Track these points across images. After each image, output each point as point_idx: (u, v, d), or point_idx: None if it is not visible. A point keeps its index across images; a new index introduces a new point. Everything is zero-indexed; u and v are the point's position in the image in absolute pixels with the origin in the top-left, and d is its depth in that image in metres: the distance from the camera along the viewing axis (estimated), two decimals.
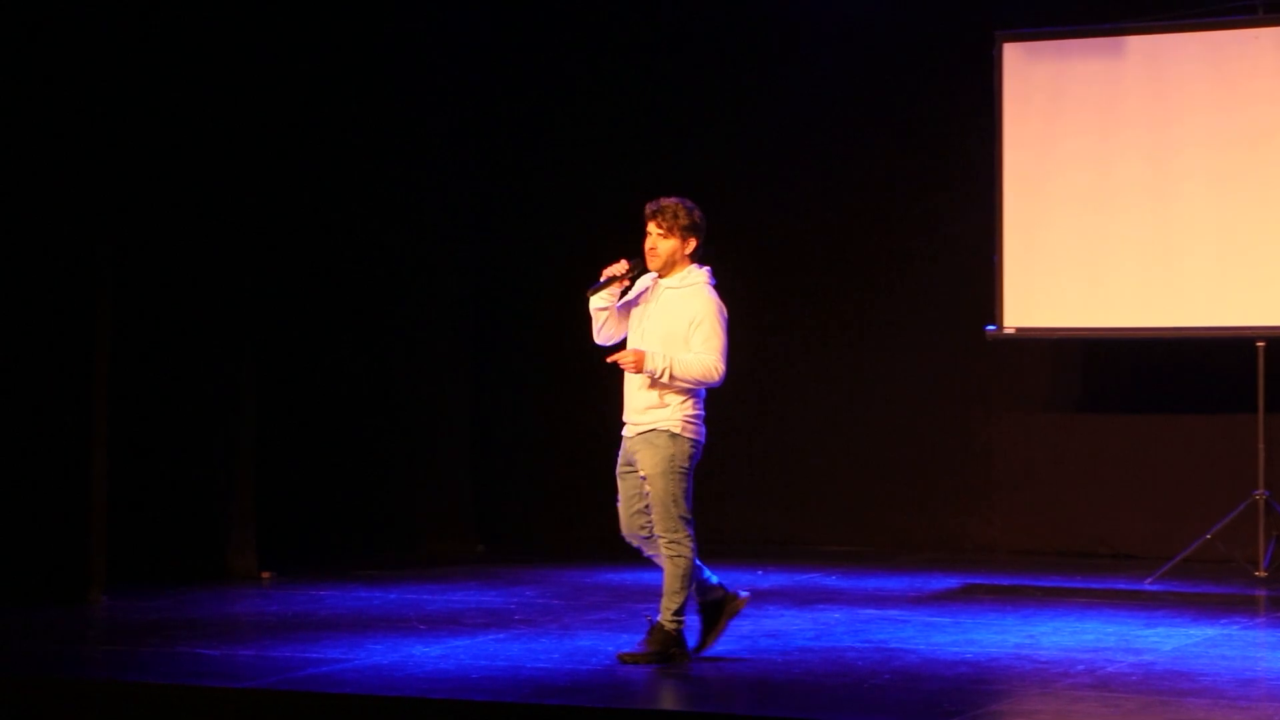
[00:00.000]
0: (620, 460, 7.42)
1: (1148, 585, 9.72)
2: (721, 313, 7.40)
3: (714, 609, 7.43)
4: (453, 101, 11.64)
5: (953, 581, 9.86)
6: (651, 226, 7.33)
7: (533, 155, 11.81)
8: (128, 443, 9.64)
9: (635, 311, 7.40)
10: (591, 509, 11.89)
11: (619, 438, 11.95)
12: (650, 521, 7.30)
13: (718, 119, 11.65)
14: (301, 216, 11.11)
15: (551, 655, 7.55)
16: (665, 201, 7.35)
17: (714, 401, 11.70)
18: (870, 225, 11.38)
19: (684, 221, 7.31)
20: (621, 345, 7.41)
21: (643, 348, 7.28)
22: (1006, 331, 10.44)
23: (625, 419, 7.40)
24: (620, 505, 7.41)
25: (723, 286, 11.84)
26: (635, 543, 7.40)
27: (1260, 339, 9.97)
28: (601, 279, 7.35)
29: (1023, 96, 10.40)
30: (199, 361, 10.06)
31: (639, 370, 7.24)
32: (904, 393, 11.35)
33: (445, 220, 11.62)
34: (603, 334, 7.44)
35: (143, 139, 9.76)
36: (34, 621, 8.46)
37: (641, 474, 7.30)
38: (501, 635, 8.08)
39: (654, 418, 7.29)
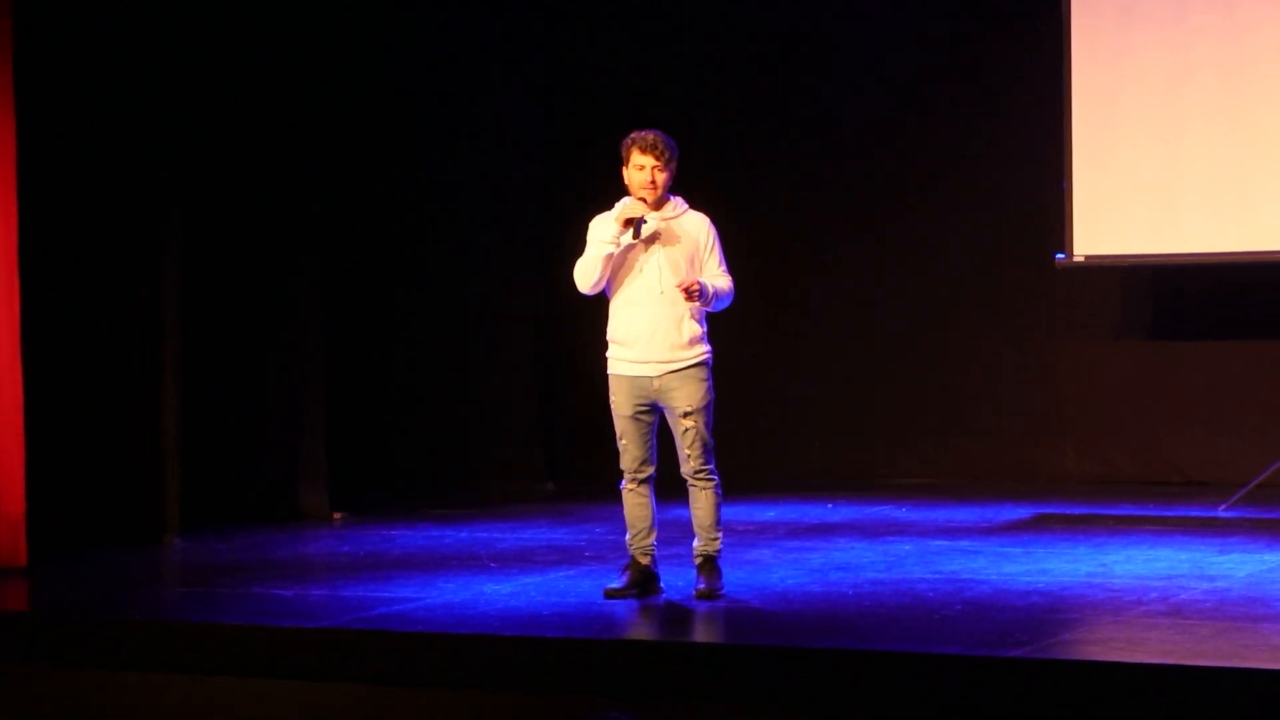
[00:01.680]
0: (632, 400, 7.24)
1: (1221, 512, 9.65)
2: None
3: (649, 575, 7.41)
4: (520, 40, 11.61)
5: (1024, 511, 9.81)
6: (648, 159, 7.18)
7: (600, 93, 11.76)
8: (200, 385, 9.70)
9: (628, 253, 7.22)
10: (660, 445, 11.89)
11: None
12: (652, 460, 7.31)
13: (777, 46, 11.58)
14: (369, 158, 11.12)
15: None
16: (652, 135, 7.22)
17: (783, 335, 11.72)
18: (937, 153, 11.30)
19: (673, 152, 7.23)
20: (603, 297, 7.31)
21: (664, 284, 7.17)
22: (1076, 259, 10.35)
23: (642, 357, 7.21)
24: (634, 446, 7.30)
25: (790, 221, 11.87)
26: (639, 480, 7.33)
27: None
28: (636, 221, 7.18)
29: (1091, 17, 10.27)
30: (269, 303, 10.10)
31: (699, 298, 7.19)
32: (973, 323, 11.29)
33: (514, 159, 11.62)
34: (602, 283, 7.26)
35: (211, 93, 9.77)
36: (109, 564, 8.55)
37: (684, 410, 7.22)
38: (572, 572, 8.10)
39: (697, 352, 7.24)
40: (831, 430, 11.57)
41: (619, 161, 7.31)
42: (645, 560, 7.37)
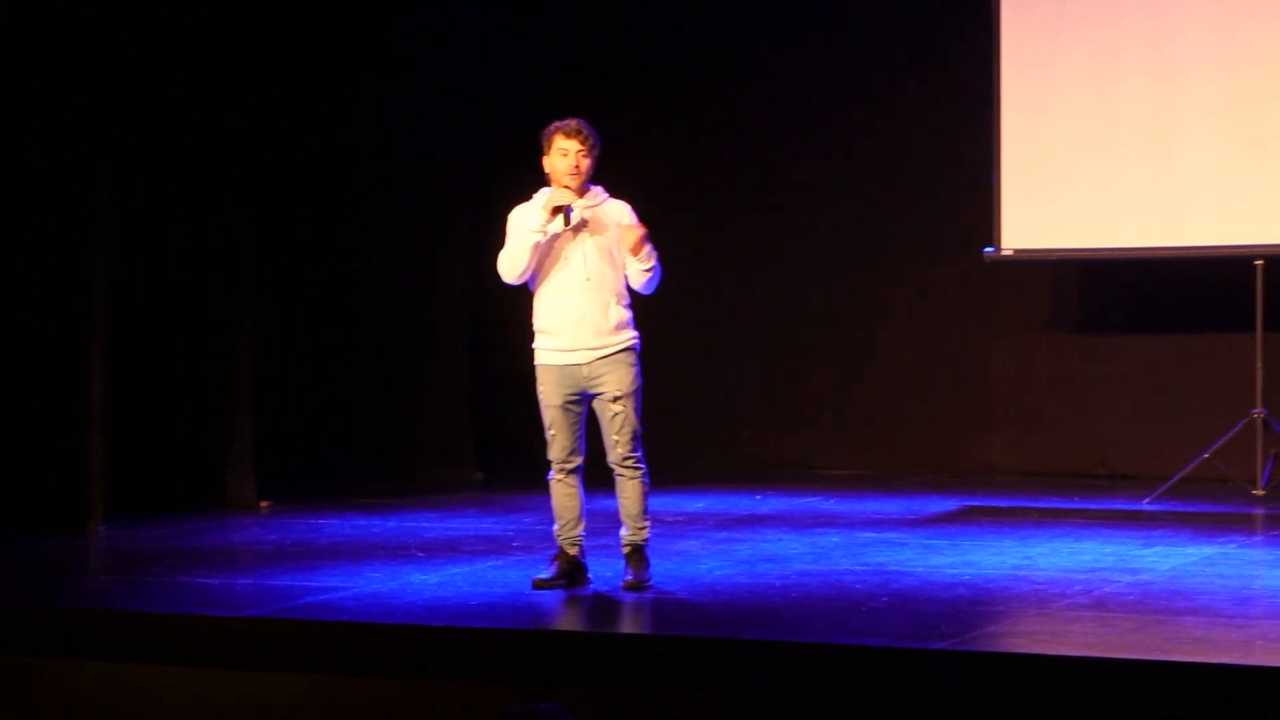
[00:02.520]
0: (561, 389, 7.21)
1: (1146, 505, 9.73)
2: None
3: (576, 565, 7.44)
4: (452, 38, 11.59)
5: (951, 504, 9.86)
6: (572, 144, 7.15)
7: (528, 87, 11.74)
8: (126, 373, 9.63)
9: (553, 242, 7.20)
10: (590, 435, 11.88)
11: None
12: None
13: (702, 41, 11.59)
14: (300, 141, 11.06)
15: None
16: (575, 121, 7.19)
17: (714, 327, 11.74)
18: (868, 147, 11.33)
19: (596, 139, 7.22)
20: (525, 288, 7.30)
21: (589, 271, 7.18)
22: (1005, 253, 10.41)
23: (570, 345, 7.19)
24: (562, 436, 7.26)
25: (723, 211, 11.89)
26: (568, 470, 7.32)
27: (1259, 258, 9.94)
28: (565, 208, 7.16)
29: (1021, 11, 10.33)
30: (197, 291, 10.04)
31: (646, 247, 7.20)
32: (903, 316, 11.34)
33: (448, 146, 11.58)
34: (529, 272, 7.22)
35: (142, 75, 9.70)
36: (35, 552, 8.48)
37: (614, 395, 7.21)
38: (500, 562, 8.09)
39: (625, 337, 7.24)
40: (761, 421, 11.60)
41: (542, 152, 7.28)
42: (573, 551, 7.37)
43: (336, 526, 9.24)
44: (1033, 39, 10.33)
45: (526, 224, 7.21)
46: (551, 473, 7.38)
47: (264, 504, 9.97)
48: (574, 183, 7.20)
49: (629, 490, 7.32)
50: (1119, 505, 9.76)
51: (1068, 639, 6.41)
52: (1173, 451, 10.34)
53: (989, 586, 7.34)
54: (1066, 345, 11.10)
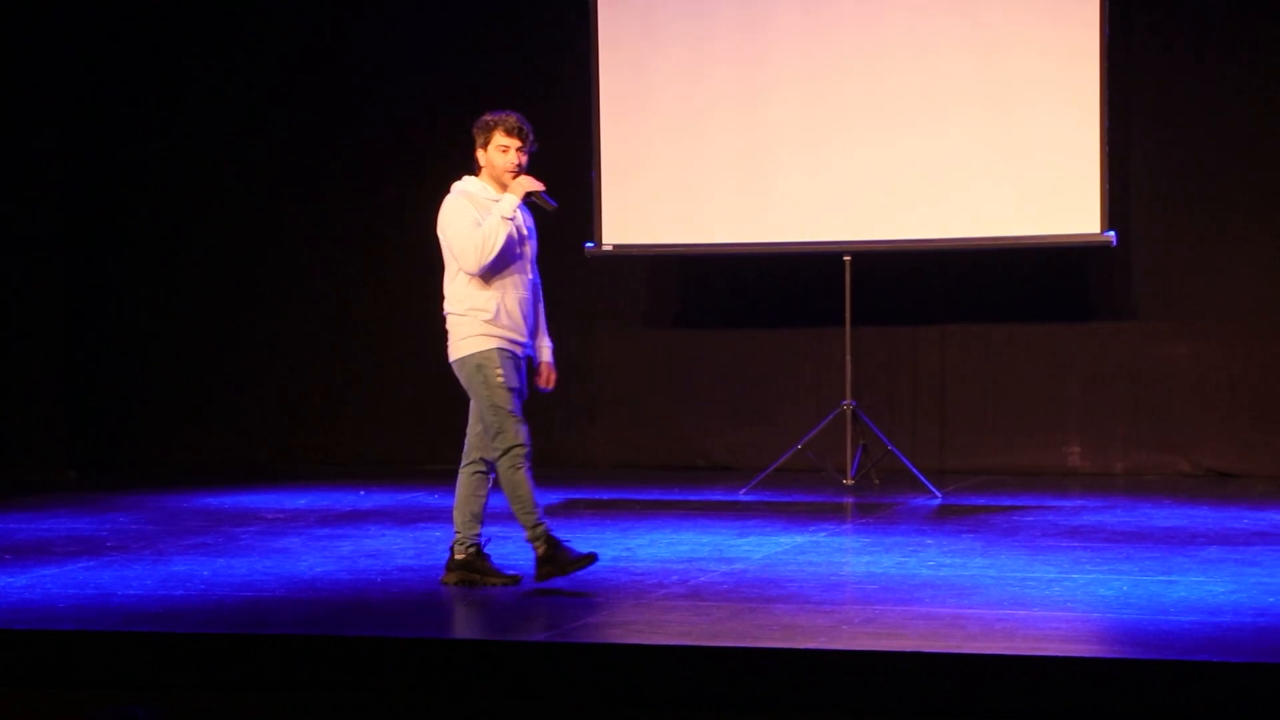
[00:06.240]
0: (518, 375, 7.22)
1: (742, 496, 9.96)
2: None
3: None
4: (42, 48, 11.27)
5: (554, 497, 9.92)
6: (514, 141, 7.14)
7: (124, 75, 11.45)
8: None
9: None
10: (190, 433, 11.66)
11: (218, 359, 11.74)
12: None
13: (299, 44, 11.49)
14: None
15: (144, 582, 7.38)
16: (514, 117, 7.14)
17: (320, 323, 11.63)
18: (466, 143, 11.32)
19: (533, 137, 7.21)
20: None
21: (532, 272, 7.22)
22: (605, 249, 10.54)
23: (523, 338, 7.20)
24: (519, 415, 7.26)
25: (300, 209, 11.77)
26: (527, 455, 7.26)
27: (847, 254, 10.26)
28: (542, 194, 7.15)
29: (617, 10, 10.47)
30: None
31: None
32: None
33: (36, 129, 11.24)
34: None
35: None
36: None
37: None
38: (92, 563, 7.87)
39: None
40: (362, 416, 11.55)
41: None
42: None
43: None
44: (629, 37, 10.49)
45: (500, 212, 7.07)
46: (510, 461, 7.16)
47: None
48: (512, 179, 7.13)
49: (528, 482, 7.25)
50: (717, 496, 9.97)
51: (663, 628, 6.51)
52: (768, 443, 10.62)
53: (589, 578, 7.40)
54: (666, 339, 11.30)
